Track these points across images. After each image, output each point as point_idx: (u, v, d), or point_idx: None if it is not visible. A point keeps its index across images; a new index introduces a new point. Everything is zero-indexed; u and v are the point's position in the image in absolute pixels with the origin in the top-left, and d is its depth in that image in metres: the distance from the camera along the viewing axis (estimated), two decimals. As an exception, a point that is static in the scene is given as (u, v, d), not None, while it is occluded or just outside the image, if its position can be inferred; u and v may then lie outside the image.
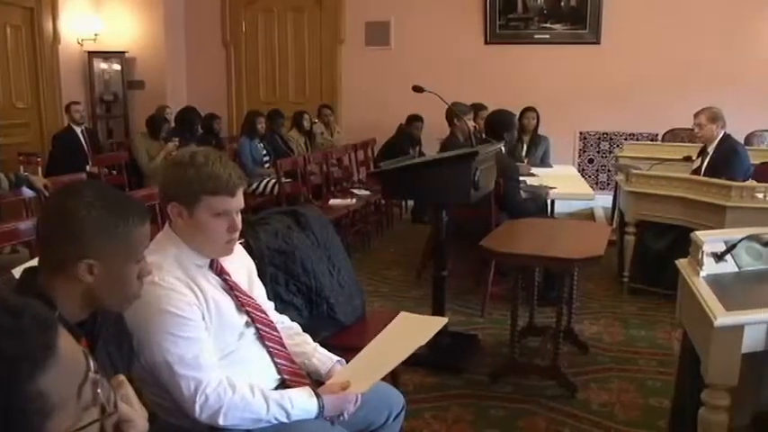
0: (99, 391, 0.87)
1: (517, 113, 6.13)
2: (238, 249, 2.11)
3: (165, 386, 1.80)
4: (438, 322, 2.06)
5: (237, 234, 1.94)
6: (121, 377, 1.00)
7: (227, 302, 1.94)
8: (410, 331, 2.10)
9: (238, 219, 1.91)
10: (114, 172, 6.43)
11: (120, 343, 1.60)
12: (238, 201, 1.89)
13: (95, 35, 8.64)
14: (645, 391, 3.50)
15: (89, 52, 8.61)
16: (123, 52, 8.78)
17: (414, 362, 3.64)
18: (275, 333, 2.07)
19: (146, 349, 1.78)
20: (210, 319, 1.86)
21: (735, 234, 2.65)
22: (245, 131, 6.96)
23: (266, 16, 9.27)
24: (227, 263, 1.99)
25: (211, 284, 1.93)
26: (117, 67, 8.83)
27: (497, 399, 3.41)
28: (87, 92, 8.63)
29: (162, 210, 2.23)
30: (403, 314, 2.22)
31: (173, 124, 7.39)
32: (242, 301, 1.99)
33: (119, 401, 0.93)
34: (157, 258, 1.80)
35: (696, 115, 5.19)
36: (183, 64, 9.35)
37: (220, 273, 1.97)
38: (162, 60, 8.91)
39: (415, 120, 7.73)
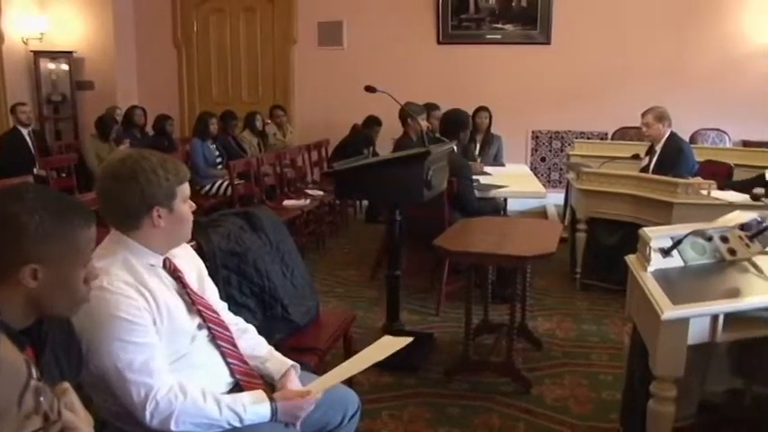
0: (41, 398, 0.85)
1: (470, 113, 6.19)
2: (188, 250, 2.10)
3: (115, 392, 1.77)
4: (402, 342, 2.06)
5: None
6: (66, 385, 0.99)
7: (178, 305, 1.92)
8: (381, 350, 2.08)
9: None
10: (63, 174, 6.30)
11: (68, 349, 1.56)
12: None
13: (41, 34, 8.46)
14: (597, 385, 3.56)
15: (35, 52, 8.42)
16: (71, 52, 8.62)
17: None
18: (227, 333, 2.05)
19: (95, 355, 1.74)
20: (162, 323, 1.84)
21: (680, 230, 2.71)
22: (197, 132, 6.88)
23: (218, 16, 9.18)
24: (177, 260, 1.98)
25: (164, 285, 1.90)
26: (65, 67, 8.65)
27: (453, 397, 3.43)
28: (34, 92, 8.44)
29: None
30: (386, 337, 2.19)
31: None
32: (193, 300, 1.97)
33: (62, 409, 0.91)
34: (105, 263, 1.78)
35: (643, 115, 5.31)
36: (134, 64, 9.20)
37: (174, 271, 1.95)
38: (111, 60, 8.77)
39: (374, 123, 7.74)
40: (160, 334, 1.83)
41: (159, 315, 1.83)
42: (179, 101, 9.33)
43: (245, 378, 2.01)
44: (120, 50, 8.85)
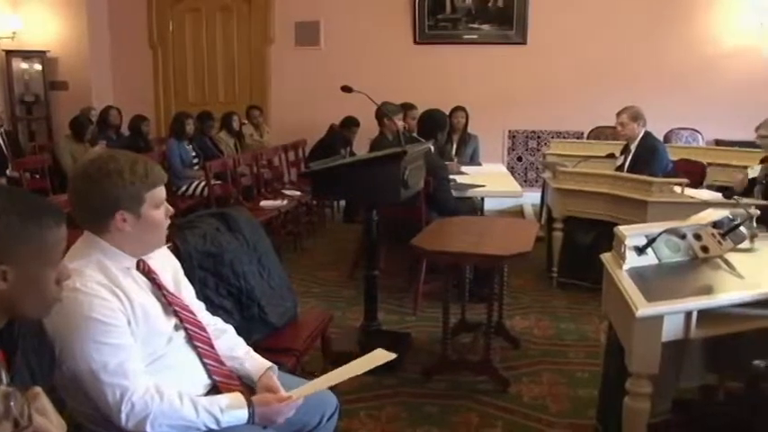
0: (12, 403, 0.84)
1: (447, 113, 6.20)
2: (164, 251, 2.08)
3: (90, 395, 1.75)
4: (391, 356, 2.04)
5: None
6: (37, 389, 0.97)
7: (154, 306, 1.90)
8: (370, 361, 2.06)
9: None
10: (37, 176, 6.21)
11: (40, 352, 1.54)
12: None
13: (13, 33, 8.36)
14: (574, 383, 3.58)
15: (7, 51, 8.32)
16: (44, 52, 8.52)
17: (346, 361, 3.66)
18: (204, 333, 2.03)
19: (68, 358, 1.72)
20: (137, 325, 1.81)
21: (655, 228, 2.75)
22: (173, 133, 6.82)
23: (194, 16, 9.13)
24: (152, 262, 1.96)
25: (139, 287, 1.88)
26: (38, 66, 8.55)
27: (431, 396, 3.43)
28: (6, 93, 8.33)
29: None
30: (379, 350, 2.15)
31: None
32: (169, 300, 1.95)
33: (33, 414, 0.89)
34: (78, 264, 1.76)
35: (618, 114, 5.36)
36: (109, 64, 9.12)
37: (148, 273, 1.93)
38: (86, 60, 8.68)
39: (351, 124, 7.73)
40: (135, 335, 1.80)
41: (134, 316, 1.81)
42: (155, 101, 9.25)
43: (222, 379, 2.00)
44: (94, 50, 8.76)
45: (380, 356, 1.98)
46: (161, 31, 9.15)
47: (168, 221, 1.95)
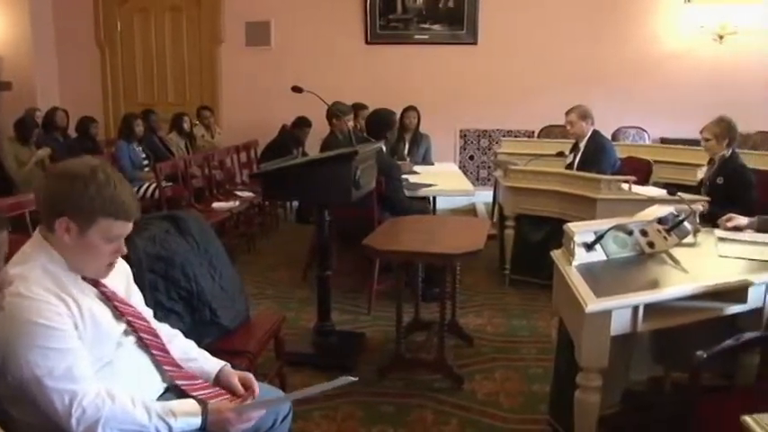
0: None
1: (398, 113, 6.22)
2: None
3: (38, 404, 1.70)
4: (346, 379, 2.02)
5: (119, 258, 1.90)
6: None
7: (103, 311, 1.86)
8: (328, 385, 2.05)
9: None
10: (-22, 180, 6.03)
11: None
12: (131, 226, 1.85)
13: (-48, 32, 8.10)
14: (527, 379, 3.63)
15: (-56, 50, 8.06)
16: (-15, 51, 8.27)
17: (300, 362, 3.65)
18: (158, 340, 2.00)
19: (12, 365, 1.67)
20: (85, 328, 1.77)
21: (603, 225, 2.80)
22: (122, 135, 6.69)
23: (142, 16, 8.99)
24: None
25: (86, 294, 1.84)
26: (-21, 67, 8.30)
27: (386, 395, 3.44)
28: (-55, 94, 8.07)
29: (35, 220, 2.11)
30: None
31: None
32: (121, 311, 1.91)
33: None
34: (23, 269, 1.71)
35: (567, 113, 5.44)
36: (55, 64, 8.90)
37: (96, 284, 1.88)
38: (30, 60, 8.46)
39: (303, 124, 7.69)
40: (84, 339, 1.76)
41: (82, 320, 1.77)
42: (103, 102, 9.08)
43: (185, 382, 1.98)
44: (38, 49, 8.54)
45: (342, 380, 1.97)
46: (108, 30, 8.98)
47: (112, 260, 1.87)
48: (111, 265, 1.88)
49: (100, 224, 1.77)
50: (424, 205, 5.45)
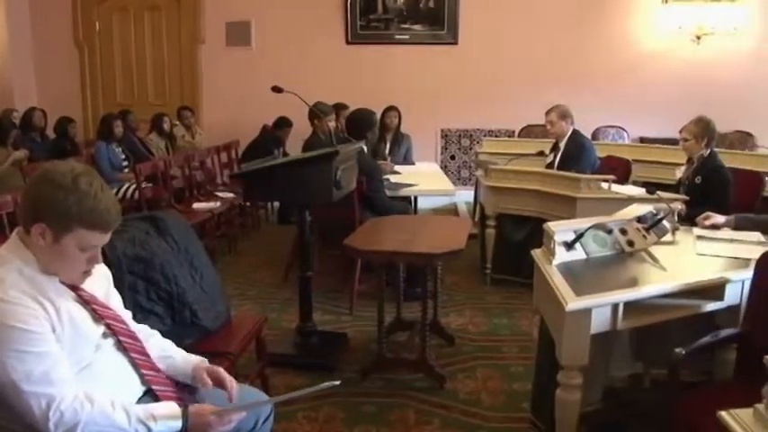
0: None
1: (379, 113, 6.22)
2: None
3: (15, 409, 1.68)
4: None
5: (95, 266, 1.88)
6: None
7: (81, 313, 1.84)
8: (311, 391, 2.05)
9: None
10: (-46, 181, 5.95)
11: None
12: (108, 236, 1.84)
13: (-75, 31, 7.99)
14: (509, 377, 3.64)
15: None
16: (-40, 51, 8.17)
17: (282, 363, 3.65)
18: (138, 343, 1.99)
19: (-13, 370, 1.66)
20: (63, 331, 1.75)
21: (583, 224, 2.82)
22: (101, 135, 6.63)
23: (121, 15, 8.92)
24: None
25: (64, 297, 1.82)
26: (-47, 66, 8.20)
27: (368, 395, 3.44)
28: None
29: (13, 222, 2.09)
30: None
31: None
32: (100, 314, 1.89)
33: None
34: (-1, 272, 1.69)
35: (547, 113, 5.47)
36: (32, 64, 8.81)
37: (74, 288, 1.86)
38: (6, 59, 8.38)
39: (284, 124, 7.68)
40: (62, 342, 1.74)
41: (60, 323, 1.75)
42: (82, 102, 8.99)
43: (160, 388, 1.96)
44: (15, 49, 8.45)
45: (325, 384, 1.96)
46: (87, 29, 8.90)
47: (87, 269, 1.85)
48: (87, 273, 1.86)
49: (75, 233, 1.75)
50: (405, 205, 5.46)
